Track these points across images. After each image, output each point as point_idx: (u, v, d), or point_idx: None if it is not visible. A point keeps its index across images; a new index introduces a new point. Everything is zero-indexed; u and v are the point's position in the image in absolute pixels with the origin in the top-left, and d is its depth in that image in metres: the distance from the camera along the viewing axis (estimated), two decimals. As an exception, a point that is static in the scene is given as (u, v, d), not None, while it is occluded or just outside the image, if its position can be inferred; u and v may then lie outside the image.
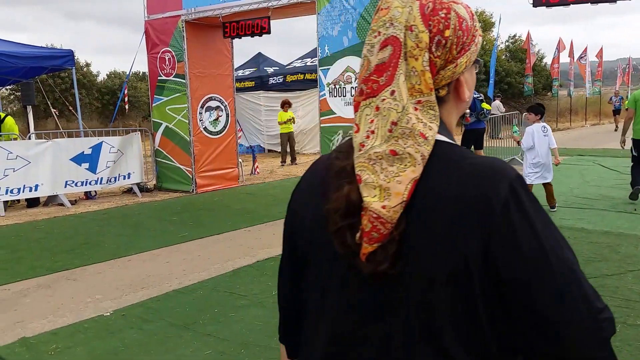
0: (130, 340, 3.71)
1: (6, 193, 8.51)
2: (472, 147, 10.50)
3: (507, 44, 36.39)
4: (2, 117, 9.54)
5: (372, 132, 0.92)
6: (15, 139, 9.42)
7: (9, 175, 8.48)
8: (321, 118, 8.19)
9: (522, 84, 25.76)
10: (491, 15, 37.81)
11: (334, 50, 7.83)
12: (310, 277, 1.02)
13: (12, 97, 25.90)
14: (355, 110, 0.97)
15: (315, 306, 1.01)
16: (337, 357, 0.96)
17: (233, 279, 4.98)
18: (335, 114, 7.95)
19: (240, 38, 9.27)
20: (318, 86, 8.21)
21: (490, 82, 17.32)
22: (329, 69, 7.94)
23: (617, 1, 7.04)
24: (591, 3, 7.09)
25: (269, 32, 8.80)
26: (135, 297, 4.56)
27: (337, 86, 7.87)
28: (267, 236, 6.64)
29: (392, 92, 0.91)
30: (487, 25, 37.49)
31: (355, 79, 7.67)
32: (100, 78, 30.28)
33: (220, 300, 4.44)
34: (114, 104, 27.42)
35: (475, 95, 9.73)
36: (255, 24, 8.88)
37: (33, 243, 6.59)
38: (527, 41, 23.21)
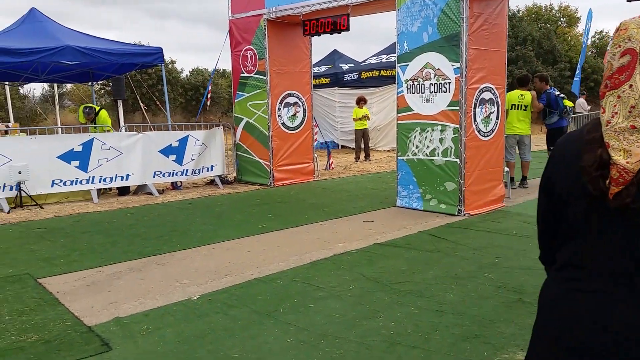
0: (215, 324, 3.91)
1: (100, 181, 9.12)
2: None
3: (593, 40, 34.62)
4: (97, 110, 10.21)
5: (616, 113, 1.35)
6: (108, 130, 10.05)
7: (102, 164, 9.07)
8: (398, 115, 8.17)
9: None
10: (576, 10, 36.10)
11: (413, 46, 7.78)
12: (571, 214, 1.46)
13: (102, 91, 27.50)
14: (601, 99, 1.40)
15: (579, 232, 1.45)
16: (600, 260, 1.41)
17: (311, 271, 5.11)
18: (412, 110, 7.91)
19: (319, 35, 9.40)
20: (396, 83, 8.19)
21: (576, 79, 16.53)
22: (407, 65, 7.90)
23: None
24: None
25: (347, 29, 8.88)
26: (220, 284, 4.79)
27: (416, 83, 7.82)
28: (343, 231, 6.74)
29: (631, 86, 1.33)
30: (571, 20, 35.80)
31: (435, 75, 7.60)
32: (183, 75, 31.55)
33: (299, 290, 4.58)
34: (197, 100, 28.56)
35: (556, 93, 9.39)
36: (334, 22, 8.98)
37: (125, 229, 7.03)
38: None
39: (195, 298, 4.45)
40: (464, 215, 7.46)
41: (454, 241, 6.12)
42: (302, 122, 10.99)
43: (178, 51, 63.99)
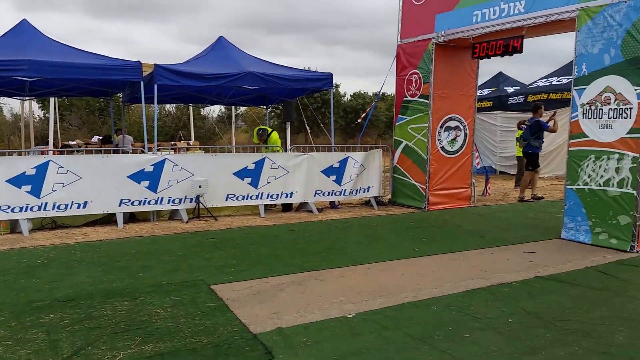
0: (370, 344, 3.96)
1: (267, 198, 9.79)
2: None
3: None
4: (269, 131, 11.01)
5: None
6: (277, 151, 10.77)
7: (271, 182, 9.73)
8: (570, 141, 7.64)
9: None
10: None
11: (593, 69, 7.26)
12: None
13: (272, 113, 29.48)
14: None
15: None
16: None
17: (466, 300, 4.98)
18: (587, 137, 7.36)
19: (489, 58, 9.18)
20: (570, 107, 7.69)
21: None
22: (584, 88, 7.38)
23: None
24: None
25: (521, 52, 8.55)
26: (374, 304, 4.86)
27: (593, 107, 7.28)
28: (501, 260, 6.47)
29: None
30: None
31: (615, 100, 7.01)
32: (345, 98, 32.64)
33: (454, 318, 4.49)
34: (356, 123, 29.35)
35: None
36: (506, 44, 8.71)
37: (288, 243, 7.47)
38: None
39: (351, 316, 4.57)
40: (638, 252, 6.76)
41: (625, 280, 5.60)
42: (462, 147, 10.79)
43: (342, 75, 66.58)
